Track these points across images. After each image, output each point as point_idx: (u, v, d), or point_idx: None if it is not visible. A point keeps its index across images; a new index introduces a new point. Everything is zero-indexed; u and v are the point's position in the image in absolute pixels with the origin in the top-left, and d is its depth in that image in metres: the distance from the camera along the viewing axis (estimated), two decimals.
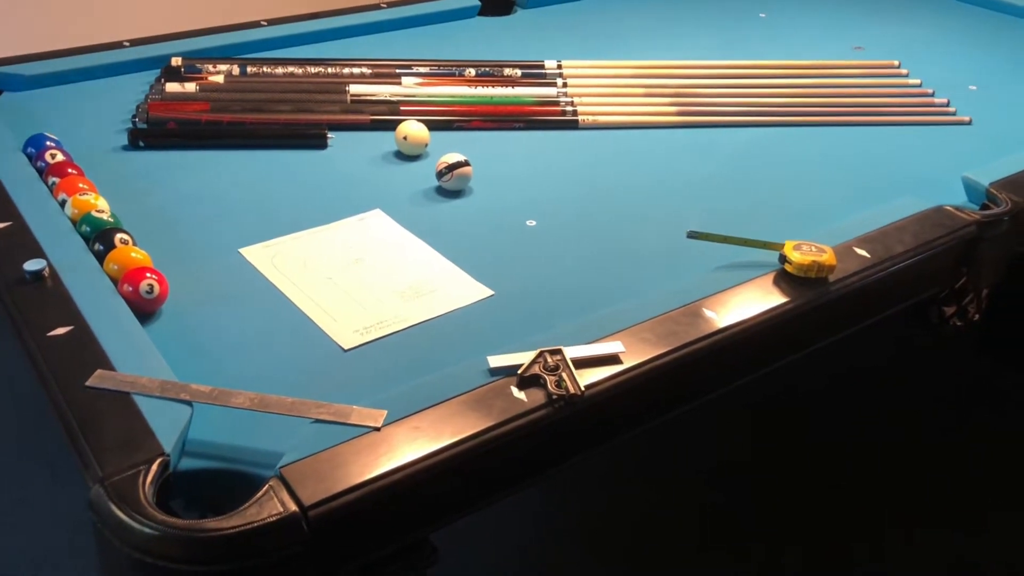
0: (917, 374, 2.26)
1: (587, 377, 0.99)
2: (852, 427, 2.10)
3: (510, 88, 1.73)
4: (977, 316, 1.43)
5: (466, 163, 1.40)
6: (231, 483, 0.90)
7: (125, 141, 1.51)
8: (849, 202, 1.44)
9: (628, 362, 1.01)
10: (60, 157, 1.36)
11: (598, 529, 1.85)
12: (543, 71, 1.82)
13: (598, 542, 1.82)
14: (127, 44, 1.80)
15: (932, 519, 1.88)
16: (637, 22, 2.17)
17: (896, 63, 1.96)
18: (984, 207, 1.40)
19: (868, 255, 1.23)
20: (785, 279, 1.17)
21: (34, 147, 1.38)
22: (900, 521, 1.87)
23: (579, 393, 0.95)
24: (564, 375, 0.97)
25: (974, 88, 1.87)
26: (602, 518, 1.87)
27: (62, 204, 1.26)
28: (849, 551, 1.81)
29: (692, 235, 1.22)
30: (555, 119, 1.65)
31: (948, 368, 2.28)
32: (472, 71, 1.78)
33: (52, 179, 1.31)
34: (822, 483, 1.95)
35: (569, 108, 1.67)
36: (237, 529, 0.80)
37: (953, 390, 2.25)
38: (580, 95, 1.73)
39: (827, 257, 1.16)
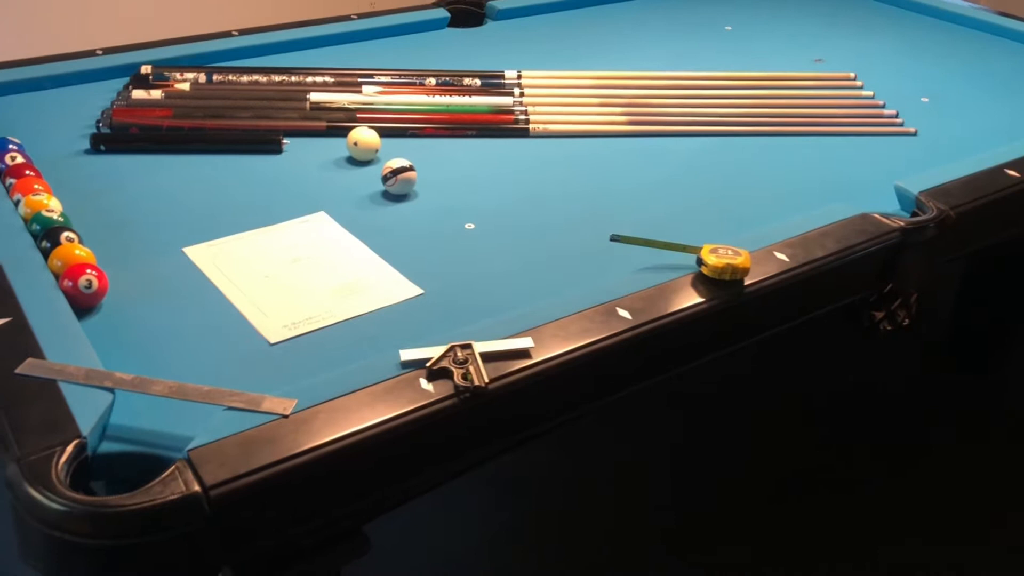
0: (861, 377, 2.30)
1: (497, 371, 1.03)
2: (791, 427, 2.14)
3: (467, 97, 1.79)
4: (907, 321, 1.46)
5: (410, 168, 1.45)
6: (147, 466, 0.94)
7: (88, 146, 1.57)
8: (784, 208, 1.48)
9: (537, 357, 1.06)
10: (20, 160, 1.42)
11: (545, 529, 1.89)
12: (502, 81, 1.87)
13: (540, 541, 1.86)
14: (100, 52, 1.87)
15: (863, 519, 1.91)
16: (610, 33, 2.22)
17: (852, 75, 2.00)
18: (914, 214, 1.44)
19: (787, 259, 1.27)
20: (701, 281, 1.21)
21: None
22: (831, 517, 1.90)
23: (483, 385, 1.00)
24: (471, 368, 1.02)
25: (926, 100, 1.91)
26: (540, 518, 1.91)
27: (16, 204, 1.31)
28: (785, 546, 1.84)
29: (615, 239, 1.27)
30: (507, 127, 1.70)
31: (895, 373, 2.32)
32: (433, 80, 1.84)
33: (9, 180, 1.37)
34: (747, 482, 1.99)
35: (522, 117, 1.72)
36: (141, 505, 0.84)
37: (899, 393, 2.28)
38: (536, 104, 1.78)
39: (741, 260, 1.20)
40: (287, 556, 1.00)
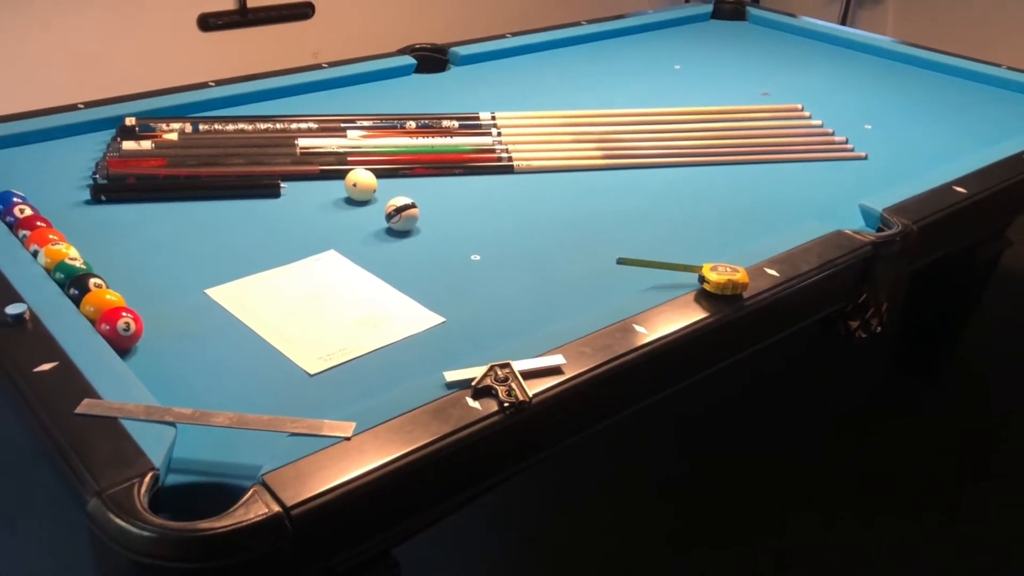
0: (835, 386, 2.43)
1: (534, 387, 1.10)
2: (775, 435, 2.25)
3: (449, 138, 1.87)
4: (879, 328, 1.58)
5: (413, 205, 1.52)
6: (215, 495, 0.98)
7: (87, 196, 1.59)
8: (759, 230, 1.59)
9: (569, 372, 1.13)
10: (28, 211, 1.44)
11: (557, 543, 1.94)
12: (478, 122, 1.96)
13: (559, 556, 1.91)
14: (82, 106, 1.89)
15: (848, 518, 2.02)
16: (562, 76, 2.33)
17: (799, 107, 2.15)
18: (879, 230, 1.56)
19: (777, 274, 1.37)
20: (704, 297, 1.30)
21: (1, 203, 1.46)
22: (824, 519, 2.01)
23: (527, 400, 1.07)
24: (513, 385, 1.09)
25: (869, 127, 2.07)
26: (558, 534, 1.97)
27: (34, 254, 1.34)
28: (784, 555, 1.93)
29: (621, 261, 1.36)
30: (492, 165, 1.79)
31: (865, 380, 2.46)
32: (412, 124, 1.91)
33: (23, 232, 1.39)
34: (743, 486, 2.09)
35: (505, 155, 1.81)
36: (228, 528, 0.89)
37: (869, 401, 2.42)
38: (514, 143, 1.87)
39: (740, 276, 1.30)
40: None
